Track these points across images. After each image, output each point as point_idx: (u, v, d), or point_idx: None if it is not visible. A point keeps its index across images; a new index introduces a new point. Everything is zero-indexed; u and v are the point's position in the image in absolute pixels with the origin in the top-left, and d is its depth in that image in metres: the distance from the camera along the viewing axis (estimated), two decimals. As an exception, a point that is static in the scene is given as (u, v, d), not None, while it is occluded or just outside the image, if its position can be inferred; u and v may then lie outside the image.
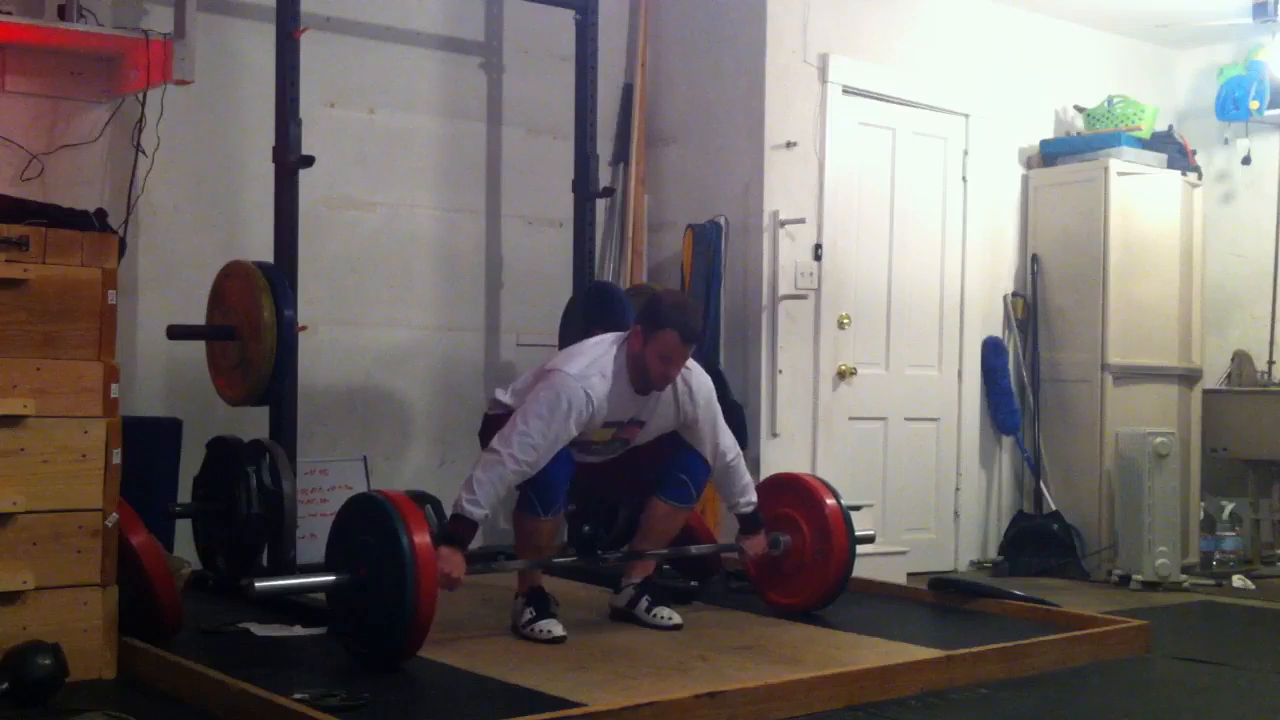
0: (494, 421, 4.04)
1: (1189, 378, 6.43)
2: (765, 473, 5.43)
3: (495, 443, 3.84)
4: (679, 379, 4.01)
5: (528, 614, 3.90)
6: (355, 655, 3.53)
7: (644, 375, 3.93)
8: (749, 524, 4.31)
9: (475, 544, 5.47)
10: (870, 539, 4.69)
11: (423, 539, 3.46)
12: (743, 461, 4.28)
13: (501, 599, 4.48)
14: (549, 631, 3.84)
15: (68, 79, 4.58)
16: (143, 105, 4.62)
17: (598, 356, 3.95)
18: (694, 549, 4.48)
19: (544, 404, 3.82)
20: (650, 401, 4.01)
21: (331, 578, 3.57)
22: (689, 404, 4.06)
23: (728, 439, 4.20)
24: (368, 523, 3.55)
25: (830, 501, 4.37)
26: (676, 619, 4.08)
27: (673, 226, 5.80)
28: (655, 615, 4.09)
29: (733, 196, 5.56)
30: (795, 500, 4.43)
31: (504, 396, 4.10)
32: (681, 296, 4.47)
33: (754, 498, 4.29)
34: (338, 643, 3.63)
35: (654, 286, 5.34)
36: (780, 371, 5.51)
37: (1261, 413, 6.40)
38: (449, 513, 5.36)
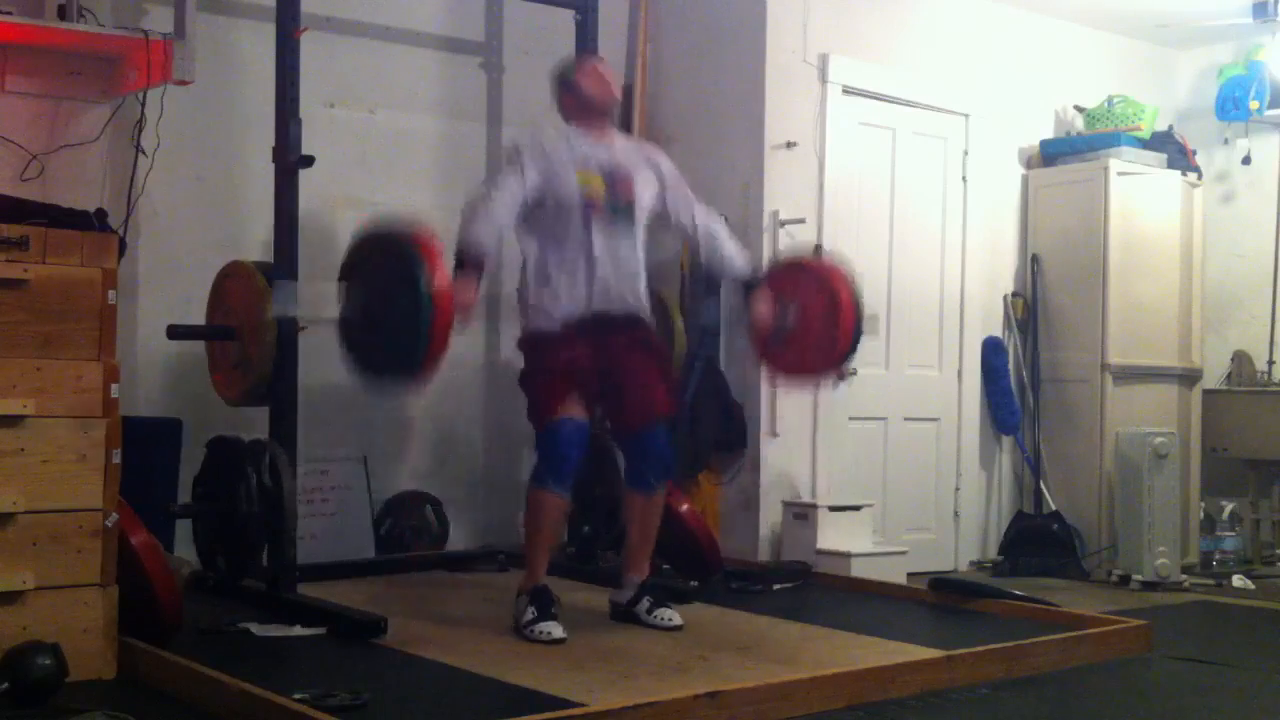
0: (526, 359, 4.15)
1: (1189, 378, 6.44)
2: (765, 472, 5.46)
3: (481, 186, 4.11)
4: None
5: (529, 614, 3.90)
6: (365, 382, 3.77)
7: (589, 105, 4.13)
8: (752, 286, 4.35)
9: (475, 540, 5.49)
10: (876, 320, 4.69)
11: (441, 273, 3.57)
12: (726, 226, 4.37)
13: (502, 598, 4.48)
14: (549, 634, 3.83)
15: (68, 79, 4.58)
16: (143, 105, 4.62)
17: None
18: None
19: (505, 158, 4.14)
20: (615, 149, 4.15)
21: (348, 304, 3.72)
22: (650, 150, 4.32)
23: (702, 206, 4.32)
24: (386, 254, 3.67)
25: (840, 275, 4.36)
26: (677, 620, 4.08)
27: (673, 226, 5.80)
28: (656, 616, 4.09)
29: (733, 196, 5.55)
30: (805, 277, 4.42)
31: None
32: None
33: (748, 264, 4.38)
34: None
35: (656, 289, 5.34)
36: (780, 371, 5.51)
37: (1261, 413, 6.40)
38: (449, 513, 5.41)
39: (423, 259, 3.55)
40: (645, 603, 4.12)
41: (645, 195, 4.16)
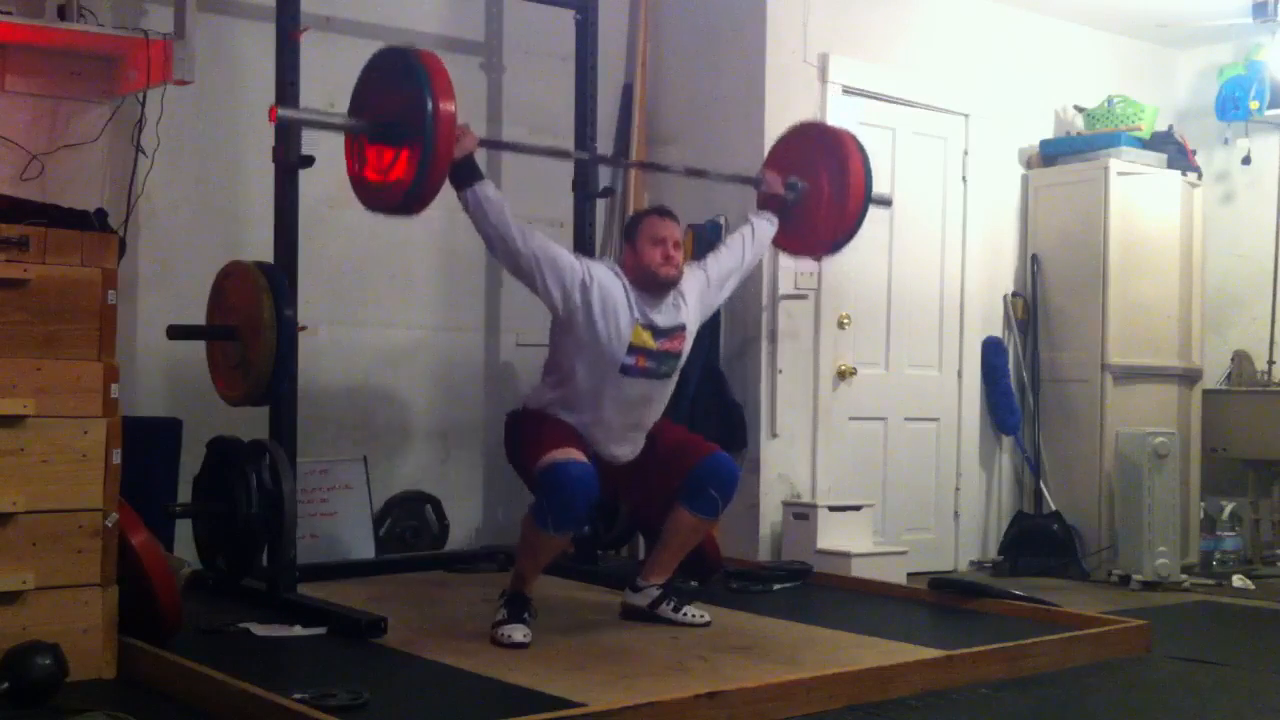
0: (520, 417, 4.09)
1: (1189, 378, 6.43)
2: (765, 472, 5.46)
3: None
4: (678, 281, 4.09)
5: (500, 614, 3.88)
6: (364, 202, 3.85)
7: (649, 273, 3.99)
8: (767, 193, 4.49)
9: (475, 540, 5.49)
10: (888, 200, 4.72)
11: (448, 105, 3.62)
12: (746, 230, 4.43)
13: (501, 599, 4.49)
14: (509, 636, 3.78)
15: (68, 79, 4.58)
16: (143, 105, 4.62)
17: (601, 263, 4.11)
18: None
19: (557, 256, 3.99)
20: (673, 302, 4.06)
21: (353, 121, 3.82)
22: (699, 276, 4.20)
23: (724, 247, 4.38)
24: (396, 75, 3.71)
25: (854, 150, 4.39)
26: (706, 617, 4.14)
27: (673, 226, 5.80)
28: (685, 614, 4.13)
29: (733, 196, 5.55)
30: (818, 147, 4.45)
31: (531, 400, 4.15)
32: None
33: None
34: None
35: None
36: (780, 371, 5.51)
37: (1261, 413, 6.40)
38: (449, 513, 5.42)
39: (429, 75, 3.61)
40: (670, 603, 4.15)
41: (692, 329, 4.15)
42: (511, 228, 3.90)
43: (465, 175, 3.86)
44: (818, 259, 4.61)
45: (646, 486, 4.19)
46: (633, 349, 3.96)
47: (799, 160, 4.52)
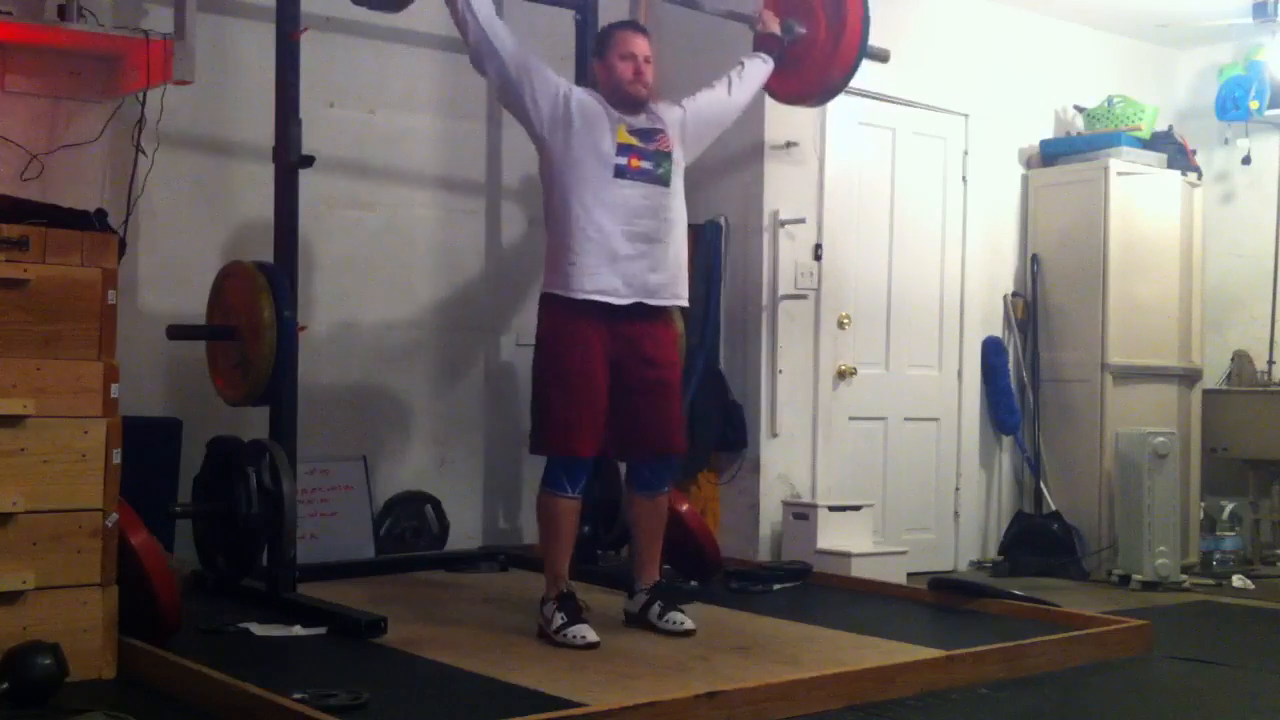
0: (544, 332, 4.03)
1: (1189, 378, 6.44)
2: (765, 473, 5.46)
3: None
4: (654, 99, 4.09)
5: (559, 620, 3.83)
6: None
7: (621, 90, 4.00)
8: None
9: (475, 540, 5.49)
10: (885, 55, 4.69)
11: None
12: (739, 70, 4.38)
13: (502, 598, 4.50)
14: (583, 637, 3.77)
15: (68, 79, 4.58)
16: (143, 105, 4.62)
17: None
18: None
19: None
20: (649, 110, 4.06)
21: None
22: (675, 110, 4.15)
23: (708, 86, 4.30)
24: None
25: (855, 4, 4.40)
26: (689, 624, 4.00)
27: (673, 226, 5.79)
28: (667, 621, 4.02)
29: (733, 196, 5.56)
30: None
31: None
32: None
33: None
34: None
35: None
36: (780, 371, 5.51)
37: (1261, 413, 6.40)
38: (449, 513, 5.42)
39: None
40: (656, 608, 4.06)
41: (682, 137, 4.12)
42: (500, 27, 3.93)
43: None
44: (809, 105, 4.64)
45: (616, 407, 4.04)
46: (622, 148, 3.95)
47: (797, 3, 4.49)
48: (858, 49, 4.46)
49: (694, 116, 4.20)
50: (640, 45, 4.05)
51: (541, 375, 4.02)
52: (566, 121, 3.95)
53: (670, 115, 4.14)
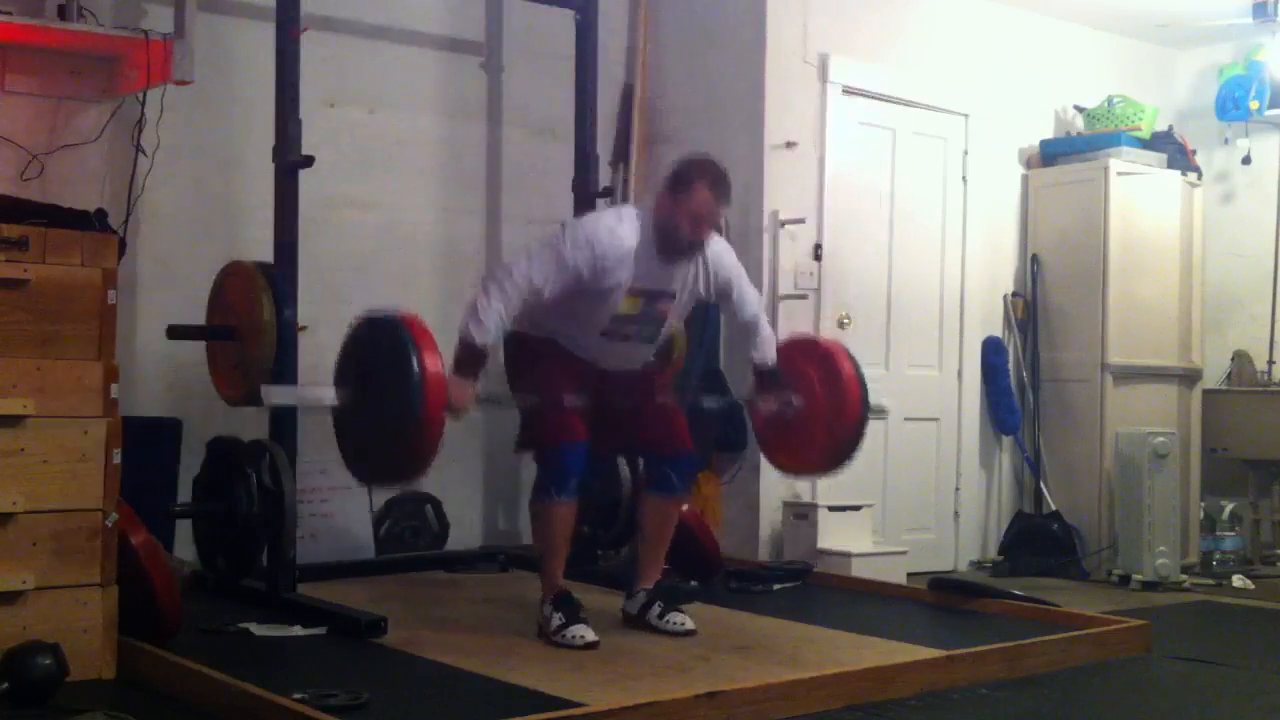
0: (517, 341, 4.00)
1: (1189, 378, 6.44)
2: (765, 472, 5.44)
3: (499, 270, 3.77)
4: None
5: (557, 620, 3.83)
6: (356, 476, 3.66)
7: (673, 238, 3.81)
8: (764, 380, 4.22)
9: (475, 540, 5.50)
10: (884, 411, 4.62)
11: (434, 364, 3.43)
12: (765, 316, 4.25)
13: (502, 598, 4.49)
14: (582, 637, 3.76)
15: (68, 79, 4.58)
16: (143, 105, 4.62)
17: (623, 213, 3.91)
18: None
19: (561, 236, 3.77)
20: (679, 271, 3.92)
21: (339, 393, 3.64)
22: (719, 267, 3.99)
23: (752, 293, 4.16)
24: (380, 342, 3.56)
25: (848, 368, 4.23)
26: (690, 625, 3.98)
27: (673, 226, 5.79)
28: (668, 621, 4.01)
29: (733, 196, 5.54)
30: (812, 362, 4.28)
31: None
32: (709, 156, 4.08)
33: (773, 355, 4.20)
34: (342, 465, 3.70)
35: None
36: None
37: (1261, 413, 6.40)
38: (448, 512, 5.41)
39: (415, 346, 3.44)
40: (656, 608, 4.05)
41: (679, 307, 4.04)
42: (513, 305, 3.76)
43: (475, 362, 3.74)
44: (815, 476, 4.44)
45: (612, 416, 4.05)
46: (616, 320, 3.90)
47: (790, 375, 4.27)
48: (855, 435, 4.26)
49: (719, 290, 4.07)
50: (716, 214, 3.91)
51: (516, 379, 4.06)
52: (580, 282, 3.80)
53: (702, 273, 3.98)
